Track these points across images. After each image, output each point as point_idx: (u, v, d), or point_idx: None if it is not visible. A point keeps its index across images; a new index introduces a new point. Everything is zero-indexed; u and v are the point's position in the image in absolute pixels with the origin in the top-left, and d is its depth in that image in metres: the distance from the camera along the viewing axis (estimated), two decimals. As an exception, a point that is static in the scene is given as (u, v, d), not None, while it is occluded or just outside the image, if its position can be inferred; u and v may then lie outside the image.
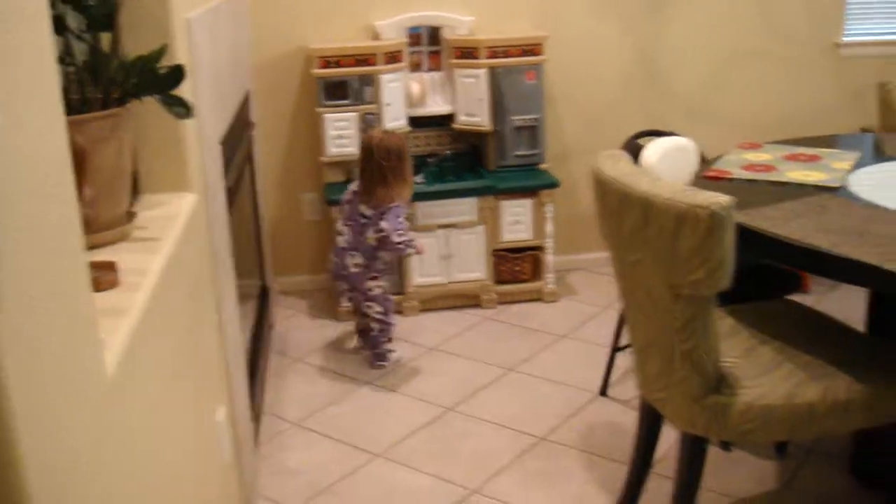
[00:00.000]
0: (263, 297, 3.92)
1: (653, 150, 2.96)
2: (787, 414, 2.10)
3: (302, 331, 4.09)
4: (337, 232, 3.70)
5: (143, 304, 1.47)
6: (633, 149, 3.15)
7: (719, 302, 2.11)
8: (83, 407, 1.10)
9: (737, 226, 1.99)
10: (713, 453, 2.92)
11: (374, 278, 3.61)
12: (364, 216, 3.56)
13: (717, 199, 1.90)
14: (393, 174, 3.51)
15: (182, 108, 1.77)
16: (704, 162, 3.04)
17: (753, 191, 2.60)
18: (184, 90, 1.83)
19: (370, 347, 3.72)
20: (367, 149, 3.56)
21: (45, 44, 1.05)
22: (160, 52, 1.77)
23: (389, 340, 3.71)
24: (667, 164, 2.91)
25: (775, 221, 2.27)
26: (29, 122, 0.98)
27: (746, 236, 2.22)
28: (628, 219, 2.06)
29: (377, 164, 3.51)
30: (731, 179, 2.71)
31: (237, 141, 3.15)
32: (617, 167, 2.16)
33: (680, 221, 1.92)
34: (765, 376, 2.18)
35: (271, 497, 2.84)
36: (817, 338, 2.38)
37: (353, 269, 3.58)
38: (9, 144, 0.91)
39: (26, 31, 0.99)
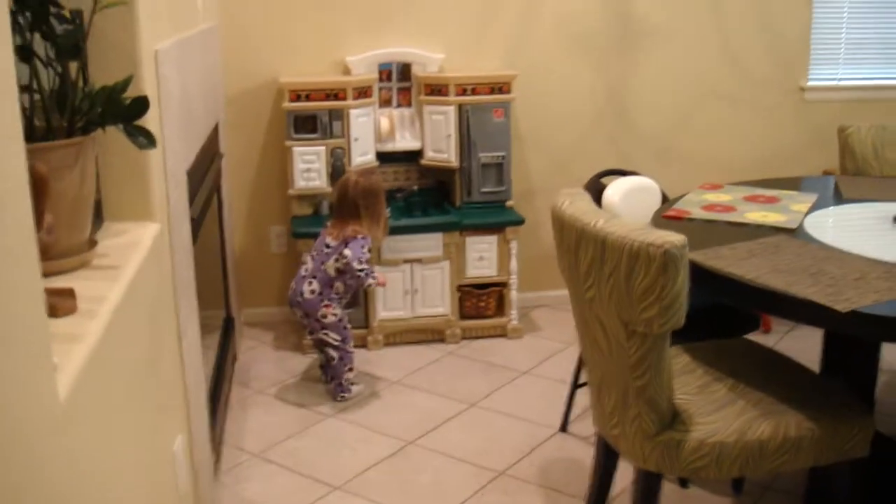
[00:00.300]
0: (228, 328, 3.92)
1: (615, 189, 3.01)
2: (738, 450, 2.13)
3: (265, 362, 4.09)
4: (301, 262, 3.73)
5: (100, 331, 1.48)
6: (596, 188, 3.20)
7: (679, 340, 2.14)
8: (34, 431, 1.11)
9: (691, 265, 2.03)
10: (671, 490, 2.95)
11: (328, 306, 3.62)
12: (328, 246, 3.59)
13: (671, 237, 1.94)
14: (367, 213, 3.60)
15: (145, 139, 1.79)
16: (667, 202, 3.09)
17: (711, 231, 2.65)
18: (149, 120, 1.85)
19: (332, 379, 3.72)
20: (344, 189, 3.62)
21: (6, 70, 1.06)
22: (126, 83, 1.79)
23: (351, 370, 3.72)
24: (629, 204, 2.96)
25: (730, 261, 2.32)
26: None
27: (701, 275, 2.26)
28: (585, 256, 2.10)
29: (352, 203, 3.59)
30: (690, 219, 2.76)
31: (205, 171, 3.16)
32: (576, 205, 2.20)
33: (634, 259, 1.96)
34: (717, 413, 2.21)
35: (229, 528, 2.83)
36: (771, 376, 2.42)
37: (308, 296, 3.60)
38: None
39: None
